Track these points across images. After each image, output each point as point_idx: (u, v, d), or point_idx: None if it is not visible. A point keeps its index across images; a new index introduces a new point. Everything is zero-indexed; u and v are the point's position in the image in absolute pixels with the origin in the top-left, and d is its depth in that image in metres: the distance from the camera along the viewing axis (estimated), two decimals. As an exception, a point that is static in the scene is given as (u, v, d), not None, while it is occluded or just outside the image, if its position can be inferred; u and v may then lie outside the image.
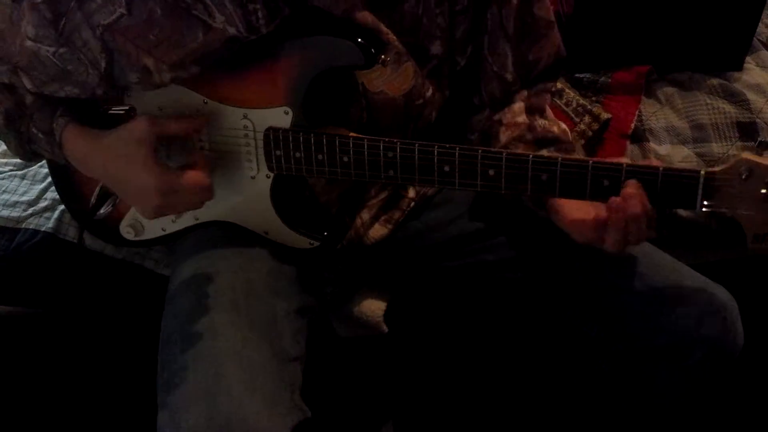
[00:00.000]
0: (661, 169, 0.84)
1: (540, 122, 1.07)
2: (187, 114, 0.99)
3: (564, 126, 1.10)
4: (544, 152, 1.02)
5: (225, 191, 1.04)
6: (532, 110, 1.08)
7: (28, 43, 0.89)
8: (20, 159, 1.04)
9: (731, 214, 0.84)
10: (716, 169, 0.83)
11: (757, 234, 0.85)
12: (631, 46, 1.46)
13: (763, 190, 0.81)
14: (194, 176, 0.93)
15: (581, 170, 0.87)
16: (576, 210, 0.94)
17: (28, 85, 0.93)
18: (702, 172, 0.83)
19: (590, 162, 0.86)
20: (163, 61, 0.89)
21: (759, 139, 0.78)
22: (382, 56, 0.92)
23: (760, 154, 0.81)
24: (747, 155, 0.81)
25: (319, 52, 0.92)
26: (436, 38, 1.01)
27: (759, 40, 1.57)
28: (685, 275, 1.04)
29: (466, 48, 1.05)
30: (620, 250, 0.90)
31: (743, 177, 0.81)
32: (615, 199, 0.86)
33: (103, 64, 0.89)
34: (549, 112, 1.11)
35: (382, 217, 1.13)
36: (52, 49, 0.89)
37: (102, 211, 1.09)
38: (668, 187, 0.84)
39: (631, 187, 0.86)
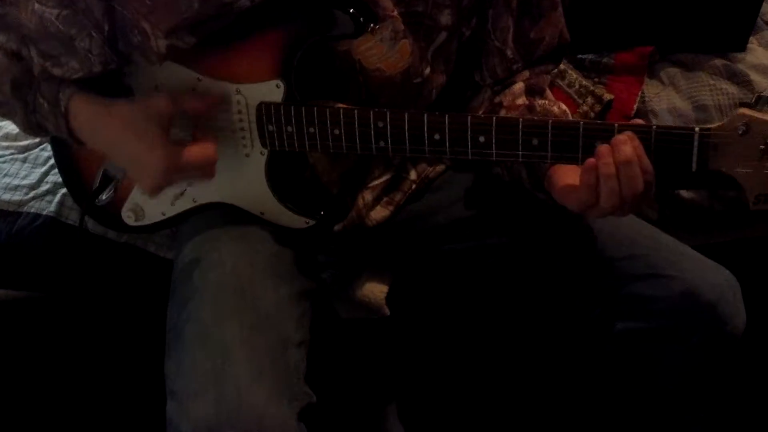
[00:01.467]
0: (654, 127, 0.83)
1: (539, 102, 1.07)
2: (183, 91, 0.99)
3: (564, 106, 1.09)
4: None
5: (221, 171, 1.03)
6: (532, 91, 1.08)
7: (36, 6, 0.89)
8: (25, 132, 1.03)
9: (729, 172, 0.82)
10: (712, 125, 0.81)
11: (759, 194, 0.82)
12: (634, 26, 1.45)
13: (762, 146, 0.79)
14: (202, 151, 0.92)
15: (572, 131, 0.85)
16: (568, 176, 0.93)
17: (34, 56, 0.92)
18: (697, 129, 0.81)
19: (581, 123, 0.85)
20: (158, 27, 0.88)
21: (757, 93, 0.76)
22: (371, 24, 0.92)
23: (759, 110, 0.80)
24: (744, 110, 0.80)
25: (308, 23, 0.92)
26: (445, 6, 1.00)
27: (763, 20, 1.55)
28: (686, 256, 1.03)
29: (471, 18, 1.04)
30: (617, 206, 0.85)
31: (740, 133, 0.80)
32: (603, 146, 0.83)
33: (106, 27, 0.89)
34: (549, 93, 1.11)
35: (384, 199, 1.13)
36: (55, 12, 0.88)
37: (104, 196, 1.09)
38: (662, 145, 0.83)
39: (622, 135, 0.83)
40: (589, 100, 1.37)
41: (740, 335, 1.00)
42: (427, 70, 1.03)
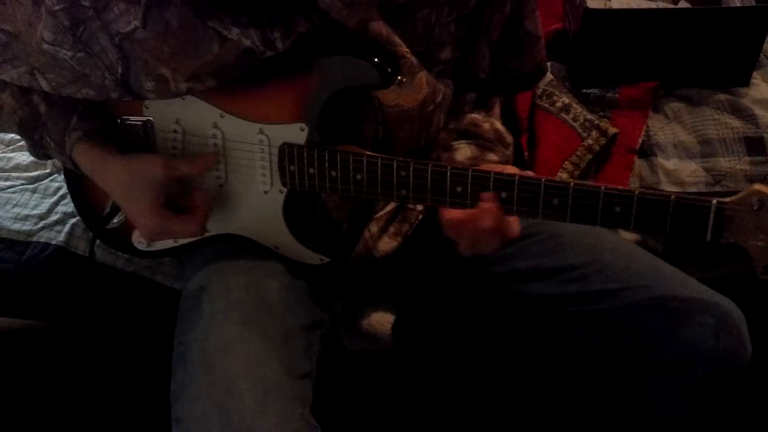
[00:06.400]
0: (672, 197, 0.85)
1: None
2: (203, 128, 1.00)
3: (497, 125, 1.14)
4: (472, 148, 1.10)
5: (238, 205, 1.05)
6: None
7: (45, 46, 0.90)
8: (35, 158, 1.09)
9: (742, 245, 0.85)
10: (727, 199, 0.84)
11: (767, 265, 0.86)
12: (638, 62, 1.46)
13: (774, 221, 0.82)
14: (189, 224, 0.99)
15: (593, 196, 0.88)
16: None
17: (44, 86, 0.94)
18: (714, 202, 0.84)
19: (602, 188, 0.87)
20: (178, 71, 0.90)
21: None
22: (399, 77, 0.93)
23: (773, 186, 0.82)
24: (759, 186, 0.82)
25: (336, 72, 0.93)
26: (445, 45, 1.03)
27: (765, 56, 1.57)
28: (691, 288, 1.03)
29: (468, 48, 1.08)
30: (471, 253, 0.98)
31: (755, 208, 0.82)
32: (472, 211, 0.93)
33: (119, 70, 0.90)
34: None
35: (391, 230, 1.13)
36: (70, 53, 0.90)
37: (115, 220, 1.10)
38: (679, 215, 0.85)
39: (486, 201, 0.91)
40: (594, 133, 1.38)
41: (744, 368, 1.01)
42: (440, 97, 1.05)
